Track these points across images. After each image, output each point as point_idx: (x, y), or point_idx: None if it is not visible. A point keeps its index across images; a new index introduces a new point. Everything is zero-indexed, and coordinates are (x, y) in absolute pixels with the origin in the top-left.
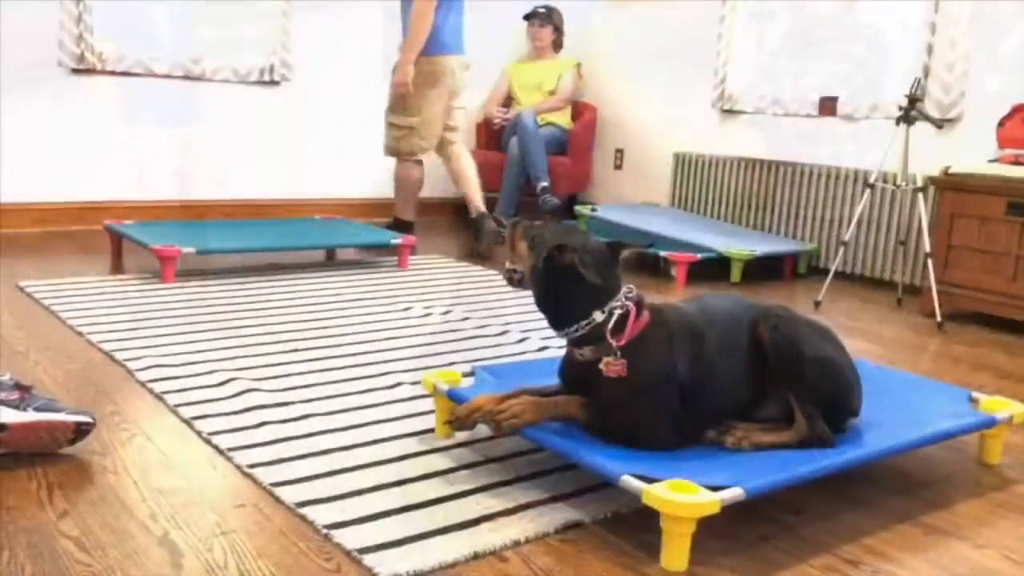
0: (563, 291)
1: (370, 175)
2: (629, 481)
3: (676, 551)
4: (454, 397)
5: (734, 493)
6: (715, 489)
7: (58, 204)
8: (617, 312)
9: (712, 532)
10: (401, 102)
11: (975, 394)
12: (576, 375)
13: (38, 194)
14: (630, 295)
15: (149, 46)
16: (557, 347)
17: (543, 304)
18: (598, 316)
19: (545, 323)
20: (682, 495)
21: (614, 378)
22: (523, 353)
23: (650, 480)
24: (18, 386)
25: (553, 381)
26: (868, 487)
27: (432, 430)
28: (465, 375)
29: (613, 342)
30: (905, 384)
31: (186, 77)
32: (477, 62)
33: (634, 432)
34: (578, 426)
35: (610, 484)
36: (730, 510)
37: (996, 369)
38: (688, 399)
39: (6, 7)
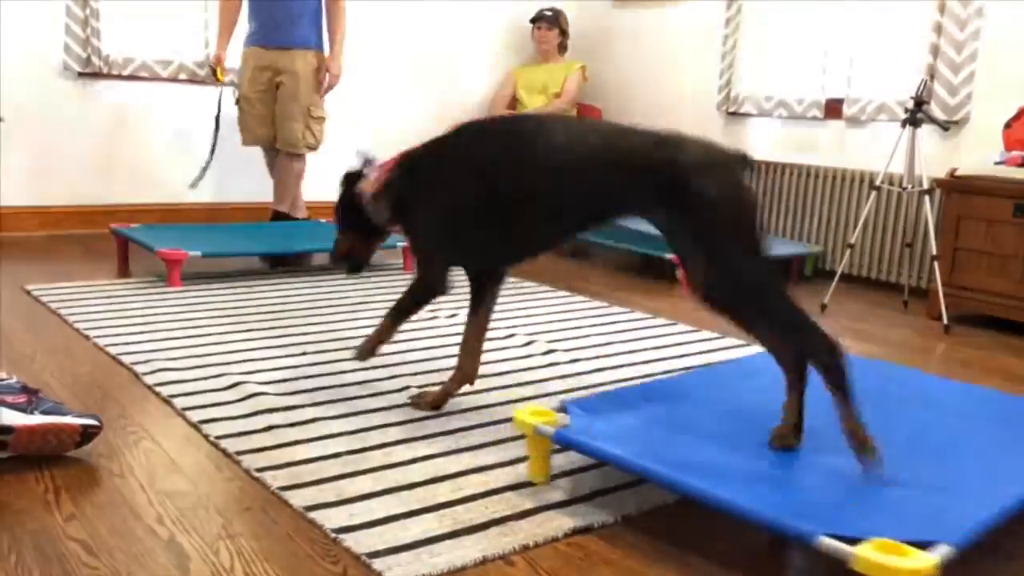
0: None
1: None
2: (832, 544)
3: None
4: (562, 439)
5: (946, 551)
6: (917, 545)
7: (64, 207)
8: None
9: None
10: (317, 94)
11: None
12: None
13: (44, 197)
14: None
15: (154, 50)
16: (563, 350)
17: None
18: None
19: (550, 327)
20: (899, 559)
21: None
22: (528, 356)
23: (848, 540)
24: (25, 389)
25: (649, 405)
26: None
27: (437, 433)
28: (557, 410)
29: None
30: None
31: (191, 81)
32: (482, 64)
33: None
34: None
35: (619, 488)
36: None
37: (1006, 372)
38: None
39: (12, 11)
